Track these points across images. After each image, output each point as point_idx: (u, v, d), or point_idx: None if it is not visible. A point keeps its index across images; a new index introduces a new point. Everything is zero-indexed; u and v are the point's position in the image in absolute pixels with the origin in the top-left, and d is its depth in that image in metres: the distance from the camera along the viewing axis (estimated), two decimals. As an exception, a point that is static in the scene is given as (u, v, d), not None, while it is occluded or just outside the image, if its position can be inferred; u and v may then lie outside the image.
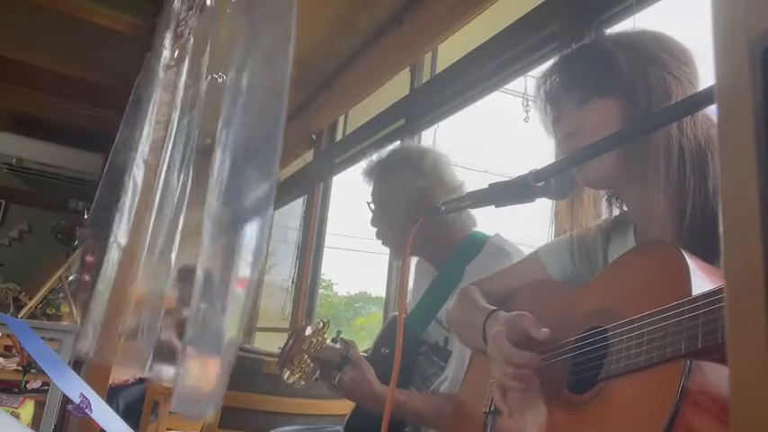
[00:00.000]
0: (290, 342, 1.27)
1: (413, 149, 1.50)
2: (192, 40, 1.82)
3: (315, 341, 1.26)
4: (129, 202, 1.89)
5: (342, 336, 1.32)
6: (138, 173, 1.88)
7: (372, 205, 1.50)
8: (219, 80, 1.55)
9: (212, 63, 1.65)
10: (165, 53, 1.90)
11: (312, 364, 1.24)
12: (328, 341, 1.29)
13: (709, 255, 0.66)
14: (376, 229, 1.52)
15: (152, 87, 1.90)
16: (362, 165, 1.57)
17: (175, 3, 1.85)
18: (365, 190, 1.56)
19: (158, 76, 1.90)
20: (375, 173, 1.51)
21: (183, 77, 1.84)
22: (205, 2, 1.76)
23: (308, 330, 1.28)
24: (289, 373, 1.25)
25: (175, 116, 1.81)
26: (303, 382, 1.25)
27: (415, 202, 1.38)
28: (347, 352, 1.26)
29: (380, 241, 1.53)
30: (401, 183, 1.42)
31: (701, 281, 0.60)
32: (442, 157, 1.46)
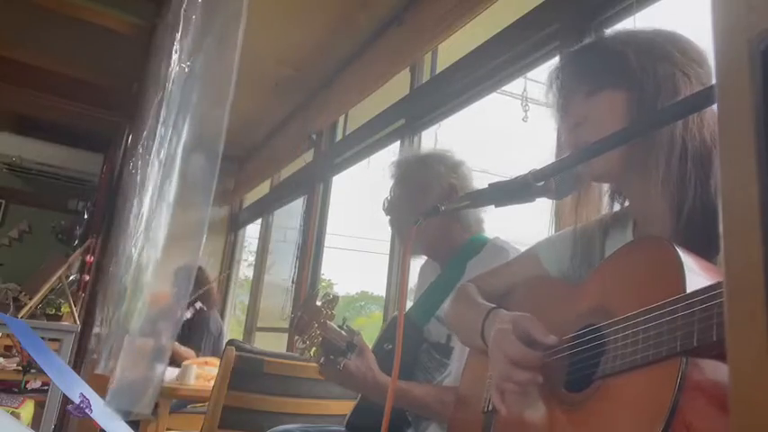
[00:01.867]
0: (300, 313, 1.30)
1: (450, 155, 1.59)
2: (178, 36, 1.82)
3: (325, 312, 1.28)
4: (146, 207, 1.89)
5: (347, 324, 1.33)
6: (153, 177, 1.89)
7: (396, 190, 1.56)
8: (186, 69, 1.55)
9: (182, 53, 1.66)
10: (174, 56, 1.91)
11: (320, 338, 1.25)
12: (335, 327, 1.30)
13: (707, 251, 0.66)
14: (390, 218, 1.57)
15: (157, 92, 1.91)
16: (394, 157, 1.66)
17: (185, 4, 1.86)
18: (388, 180, 1.61)
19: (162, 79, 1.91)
20: (409, 162, 1.59)
21: (172, 74, 1.84)
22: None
23: (319, 301, 1.30)
24: (300, 341, 1.28)
25: (163, 113, 1.82)
26: (312, 355, 1.26)
27: (443, 195, 1.47)
28: (352, 338, 1.27)
29: (392, 229, 1.59)
30: (437, 175, 1.51)
31: (695, 277, 0.60)
32: (472, 169, 1.58)
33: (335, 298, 1.31)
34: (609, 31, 0.95)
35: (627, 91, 0.83)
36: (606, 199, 0.97)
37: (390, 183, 1.59)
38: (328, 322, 1.27)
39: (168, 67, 1.93)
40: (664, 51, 0.83)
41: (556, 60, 0.96)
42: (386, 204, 1.57)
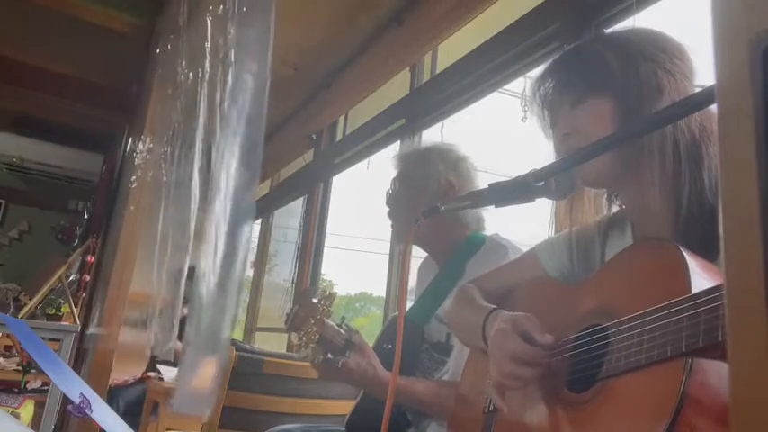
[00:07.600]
0: (296, 308, 1.29)
1: (452, 151, 1.55)
2: (180, 40, 1.83)
3: (321, 309, 1.27)
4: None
5: (346, 323, 1.33)
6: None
7: (397, 184, 1.54)
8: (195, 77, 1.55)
9: (188, 60, 1.66)
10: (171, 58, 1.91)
11: (317, 335, 1.25)
12: (333, 325, 1.30)
13: (706, 251, 0.66)
14: (389, 209, 1.55)
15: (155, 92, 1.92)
16: (398, 148, 1.62)
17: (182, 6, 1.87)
18: (391, 172, 1.59)
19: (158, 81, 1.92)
20: (411, 157, 1.56)
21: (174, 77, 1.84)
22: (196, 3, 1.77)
23: (315, 298, 1.29)
24: (296, 337, 1.27)
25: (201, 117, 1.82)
26: (309, 353, 1.26)
27: (441, 193, 1.44)
28: (351, 337, 1.27)
29: (390, 221, 1.56)
30: (435, 172, 1.48)
31: (701, 278, 0.59)
32: (475, 165, 1.54)
33: (332, 295, 1.30)
34: (586, 38, 0.95)
35: (611, 97, 0.83)
36: (603, 201, 0.97)
37: (393, 175, 1.57)
38: (326, 319, 1.27)
39: (176, 68, 1.92)
40: (643, 51, 0.83)
41: (539, 70, 0.95)
42: (387, 196, 1.55)
